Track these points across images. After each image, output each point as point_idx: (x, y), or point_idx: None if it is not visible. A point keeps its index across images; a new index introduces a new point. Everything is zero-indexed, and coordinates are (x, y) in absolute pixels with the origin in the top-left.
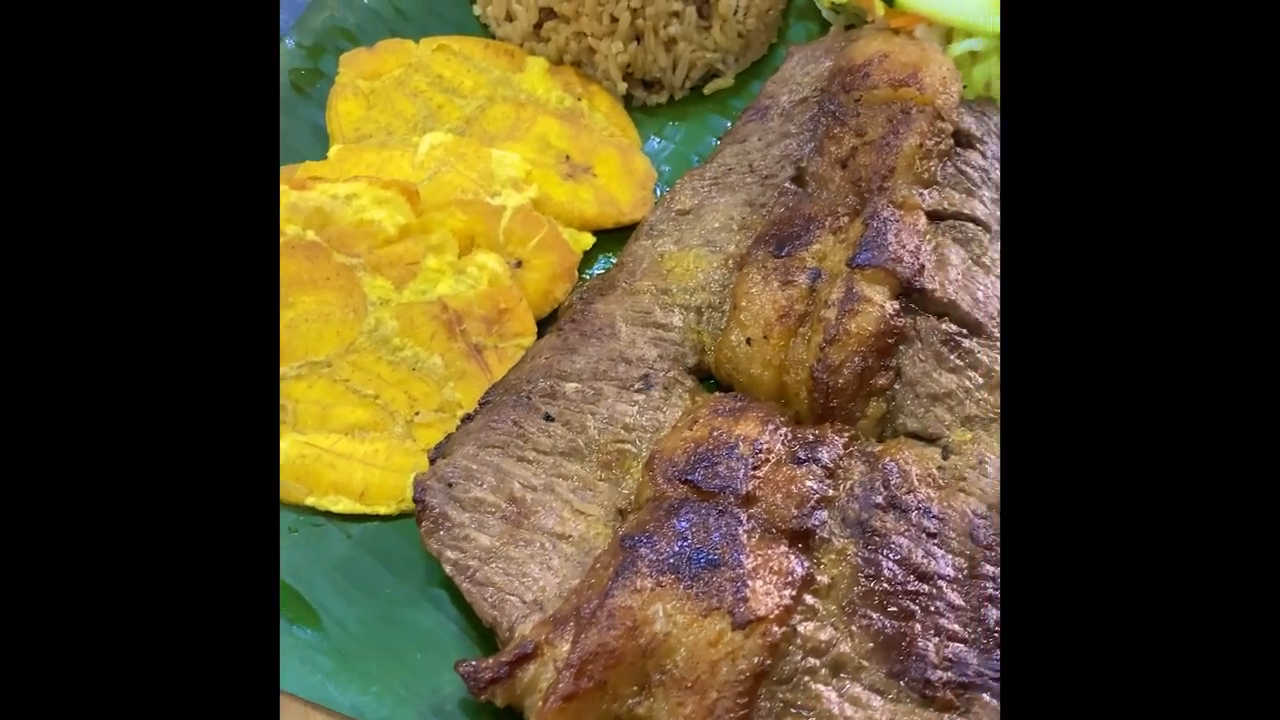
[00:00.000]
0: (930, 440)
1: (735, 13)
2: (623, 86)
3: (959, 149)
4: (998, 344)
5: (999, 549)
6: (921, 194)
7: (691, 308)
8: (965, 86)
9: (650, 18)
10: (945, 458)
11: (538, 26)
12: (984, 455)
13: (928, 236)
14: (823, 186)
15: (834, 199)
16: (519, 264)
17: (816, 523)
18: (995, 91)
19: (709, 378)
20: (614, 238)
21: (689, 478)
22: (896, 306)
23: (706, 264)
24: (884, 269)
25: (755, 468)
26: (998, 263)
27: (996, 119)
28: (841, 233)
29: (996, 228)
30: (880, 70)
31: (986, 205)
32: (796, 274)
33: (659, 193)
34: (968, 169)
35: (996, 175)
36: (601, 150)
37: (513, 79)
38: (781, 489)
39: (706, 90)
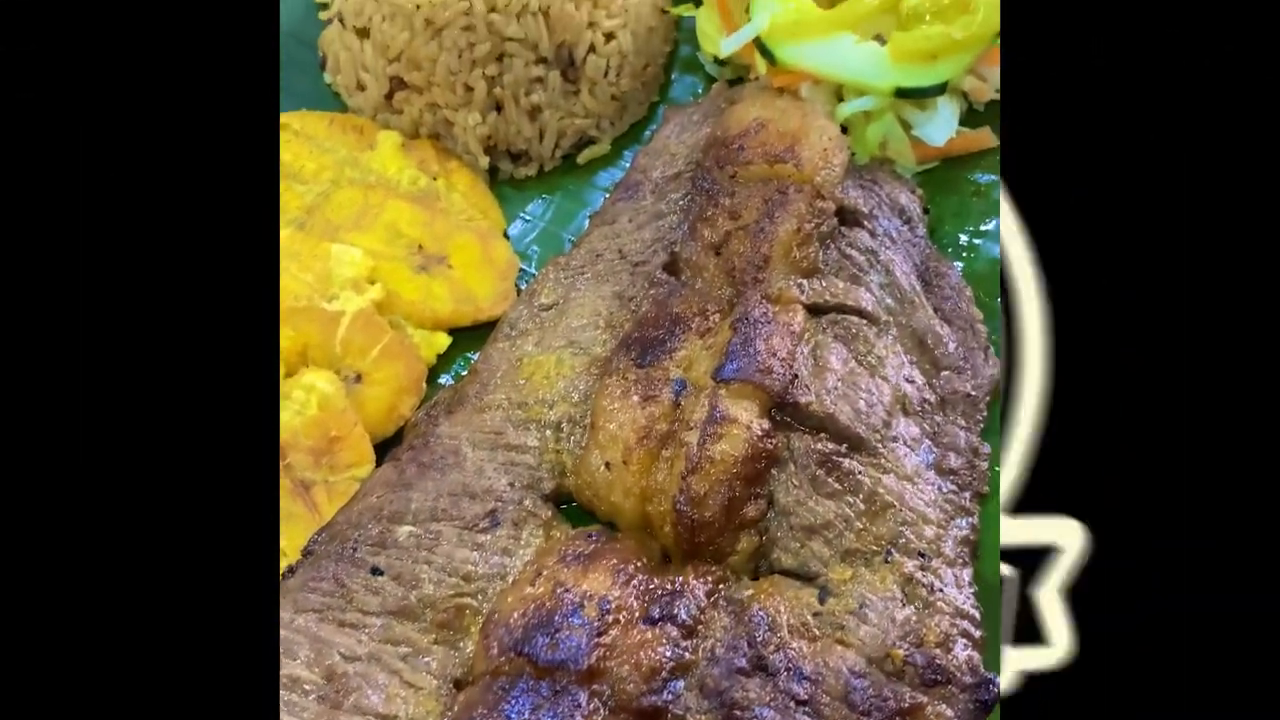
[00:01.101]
0: (807, 579)
1: (606, 74)
2: (485, 161)
3: (844, 229)
4: (880, 461)
5: (876, 715)
6: (800, 284)
7: (550, 424)
8: (854, 154)
9: (509, 86)
10: (822, 601)
11: (389, 96)
12: (864, 597)
13: (806, 335)
14: (696, 275)
15: (707, 289)
16: (358, 378)
17: (669, 697)
18: (893, 150)
19: (571, 501)
20: (473, 335)
21: (525, 649)
22: (766, 425)
23: (569, 369)
24: (751, 382)
25: (601, 633)
26: (885, 360)
27: (890, 186)
28: (709, 335)
29: (885, 317)
30: (756, 143)
31: (874, 292)
32: (659, 387)
33: (526, 282)
34: (853, 252)
35: (886, 254)
36: (458, 237)
37: (361, 158)
38: (631, 658)
39: (580, 159)
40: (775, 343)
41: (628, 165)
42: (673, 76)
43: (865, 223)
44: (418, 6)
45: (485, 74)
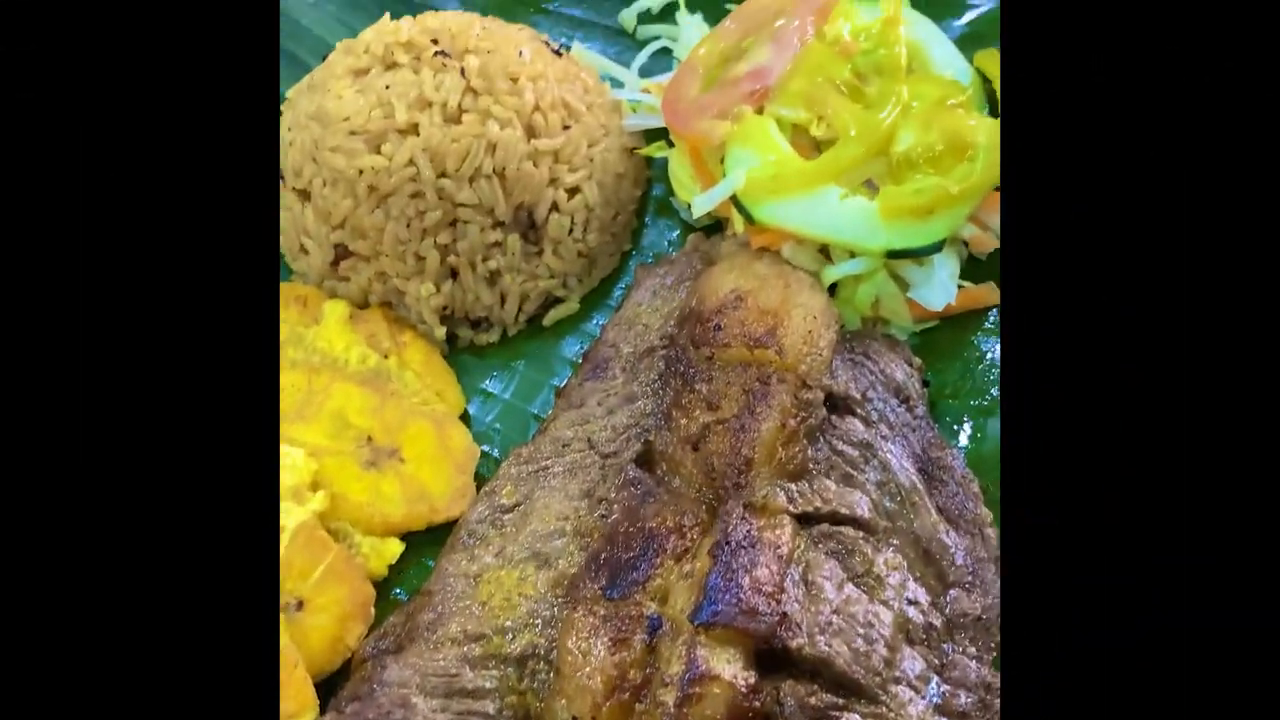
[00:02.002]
0: None
1: (571, 231)
2: (441, 331)
3: (834, 418)
4: (882, 711)
5: None
6: (787, 490)
7: (511, 658)
8: (843, 325)
9: (464, 253)
10: None
11: (335, 263)
12: None
13: (795, 556)
14: (673, 471)
15: (685, 490)
16: (299, 605)
17: None
18: (887, 310)
19: None
20: (430, 537)
21: None
22: (752, 679)
23: (533, 587)
24: (734, 626)
25: None
26: (884, 579)
27: (884, 360)
28: (686, 559)
29: (884, 524)
30: (734, 322)
31: (870, 494)
32: (630, 626)
33: (489, 468)
34: (845, 447)
35: (883, 447)
36: (412, 425)
37: (305, 335)
38: None
39: (547, 321)
40: (760, 574)
41: (597, 327)
42: (646, 220)
43: (858, 409)
44: (360, 172)
45: (437, 242)
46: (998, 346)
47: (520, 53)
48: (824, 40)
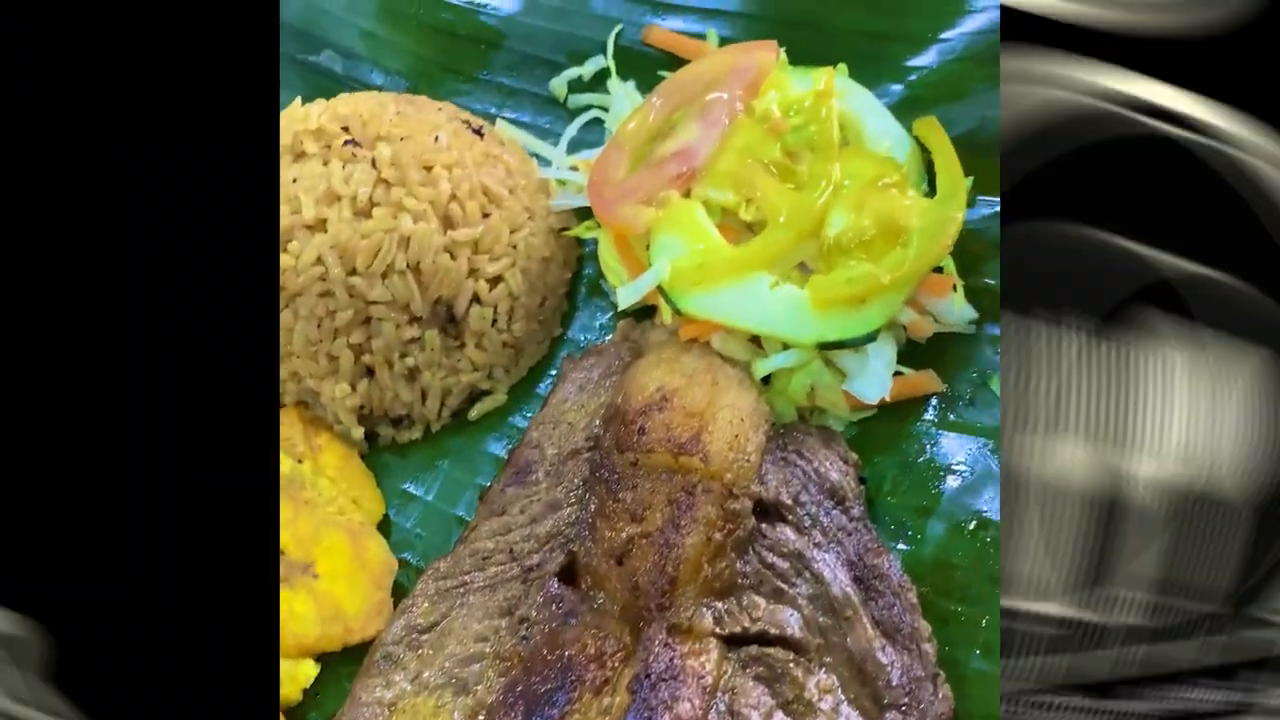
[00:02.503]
0: None
1: (494, 322)
2: (359, 431)
3: (764, 526)
4: None
5: None
6: (714, 609)
7: None
8: (772, 422)
9: (380, 351)
10: None
11: None
12: None
13: (720, 683)
14: (598, 586)
15: (609, 606)
16: None
17: None
18: (823, 400)
19: None
20: (346, 657)
21: None
22: None
23: (449, 716)
24: None
25: None
26: (816, 706)
27: (818, 459)
28: (606, 691)
29: (816, 641)
30: (659, 425)
31: (802, 609)
32: None
33: (410, 577)
34: (775, 559)
35: (816, 556)
36: (326, 537)
37: None
38: None
39: (472, 415)
40: (682, 709)
41: (526, 418)
42: (578, 303)
43: (790, 515)
44: None
45: (350, 342)
46: (940, 438)
47: (436, 138)
48: (753, 116)
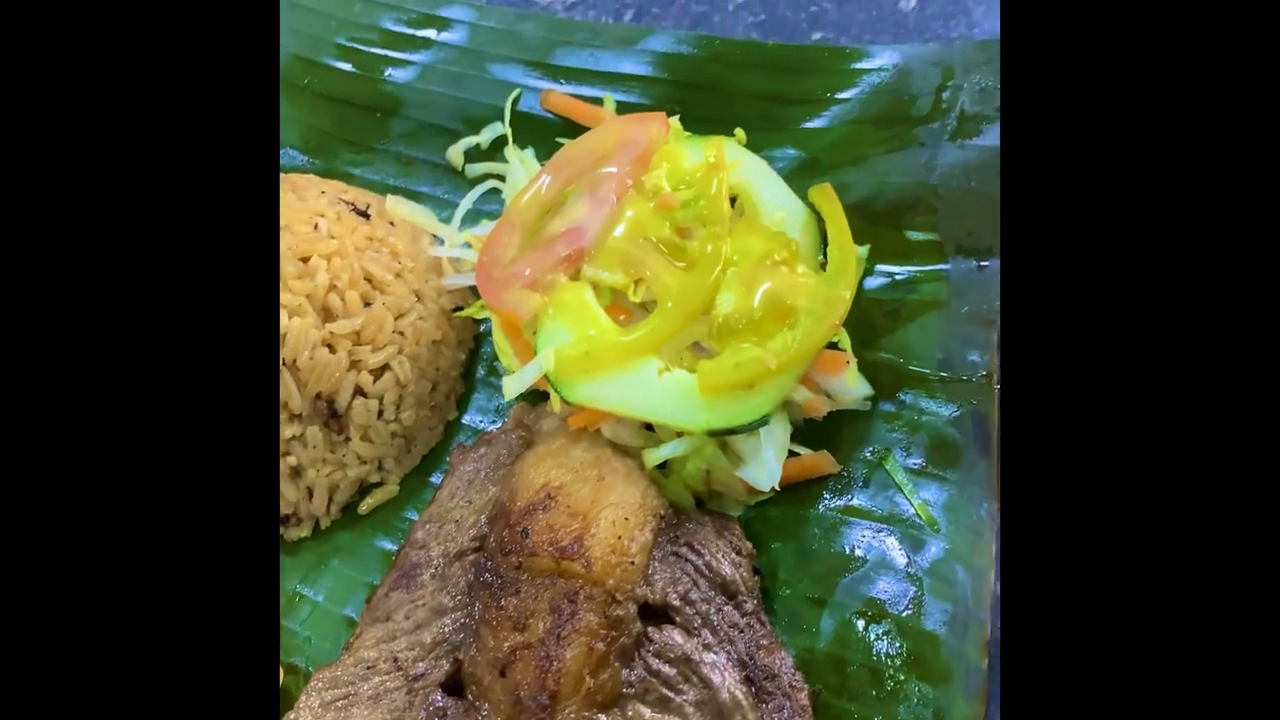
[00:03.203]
0: None
1: (380, 414)
2: None
3: (651, 630)
4: None
5: None
6: None
7: None
8: (661, 516)
9: None
10: None
11: None
12: None
13: None
14: (483, 696)
15: (493, 718)
16: None
17: None
18: (719, 483)
19: None
20: None
21: None
22: None
23: None
24: None
25: None
26: None
27: (709, 552)
28: None
29: None
30: (543, 528)
31: (690, 716)
32: None
33: (299, 686)
34: (661, 665)
35: (705, 660)
36: None
37: None
38: None
39: (363, 509)
40: None
41: (421, 504)
42: (477, 380)
43: (677, 616)
44: None
45: None
46: (834, 525)
47: (316, 225)
48: (643, 192)
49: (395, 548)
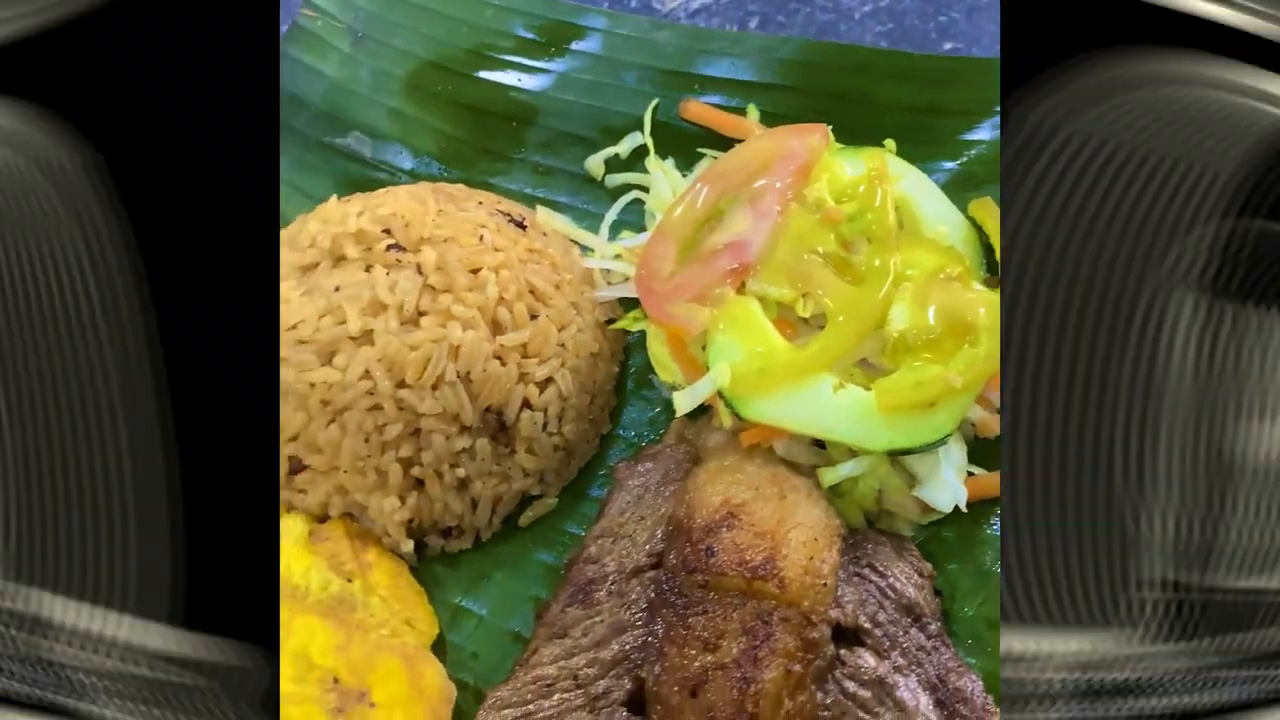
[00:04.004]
0: None
1: (544, 427)
2: (408, 545)
3: (843, 652)
4: None
5: None
6: None
7: None
8: (844, 535)
9: (430, 463)
10: None
11: (292, 473)
12: None
13: None
14: (669, 716)
15: None
16: None
17: None
18: (892, 503)
19: None
20: None
21: None
22: None
23: None
24: None
25: None
26: None
27: (892, 574)
28: None
29: None
30: (729, 546)
31: None
32: None
33: (468, 700)
34: (856, 688)
35: (898, 683)
36: (381, 663)
37: None
38: None
39: (523, 522)
40: None
41: (577, 526)
42: (627, 394)
43: (868, 639)
44: (312, 386)
45: (399, 455)
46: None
47: (481, 237)
48: (805, 205)
49: (556, 561)
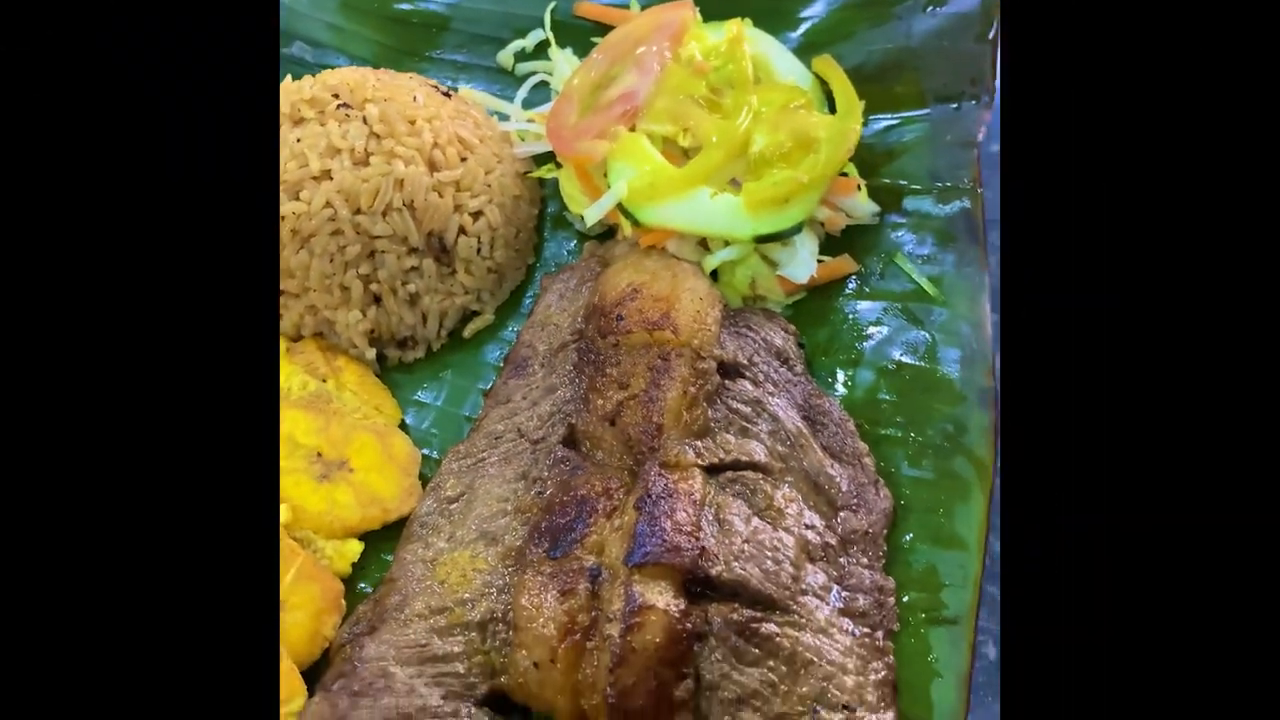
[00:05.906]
0: None
1: (479, 251)
2: (371, 352)
3: (727, 382)
4: (794, 618)
5: None
6: (694, 447)
7: (473, 624)
8: (726, 304)
9: (385, 280)
10: None
11: None
12: None
13: (707, 500)
14: (596, 446)
15: (608, 460)
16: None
17: None
18: (762, 288)
19: (508, 699)
20: (386, 535)
21: None
22: (682, 605)
23: (484, 563)
24: (662, 563)
25: None
26: (784, 510)
27: (764, 330)
28: (617, 514)
29: (779, 465)
30: (633, 311)
31: (764, 442)
32: (574, 578)
33: (431, 470)
34: (738, 405)
35: (770, 401)
36: (356, 438)
37: None
38: None
39: (466, 333)
40: (679, 517)
41: (513, 333)
42: (545, 235)
43: (746, 372)
44: (283, 218)
45: (359, 273)
46: (859, 306)
47: (414, 98)
48: (680, 62)
49: (497, 361)
